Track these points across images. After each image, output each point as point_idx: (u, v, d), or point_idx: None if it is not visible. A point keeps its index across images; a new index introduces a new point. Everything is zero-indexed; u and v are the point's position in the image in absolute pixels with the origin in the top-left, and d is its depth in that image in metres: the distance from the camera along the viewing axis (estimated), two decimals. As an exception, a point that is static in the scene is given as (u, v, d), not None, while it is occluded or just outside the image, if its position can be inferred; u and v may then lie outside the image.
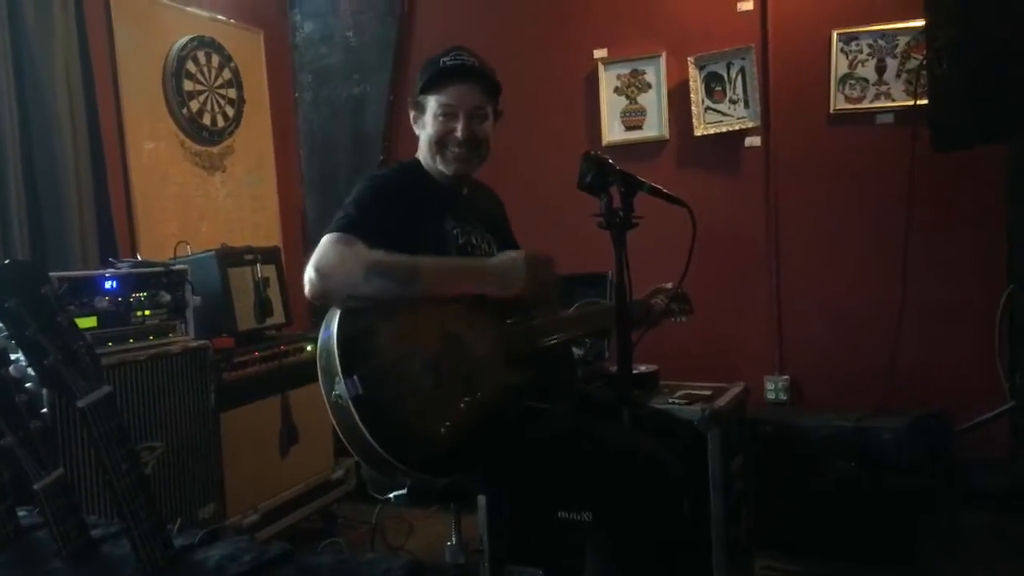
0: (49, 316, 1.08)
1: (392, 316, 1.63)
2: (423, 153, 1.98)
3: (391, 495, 1.74)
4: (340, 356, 1.52)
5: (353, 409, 1.48)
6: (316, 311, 4.04)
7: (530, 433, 1.73)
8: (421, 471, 1.57)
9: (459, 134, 1.90)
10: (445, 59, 1.91)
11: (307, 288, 1.65)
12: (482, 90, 1.93)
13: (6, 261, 1.07)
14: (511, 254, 1.81)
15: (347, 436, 1.54)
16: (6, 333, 1.09)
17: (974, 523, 2.74)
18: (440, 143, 1.92)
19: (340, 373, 1.50)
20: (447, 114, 1.90)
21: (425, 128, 1.95)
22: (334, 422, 1.56)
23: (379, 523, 2.98)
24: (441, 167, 1.95)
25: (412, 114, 1.99)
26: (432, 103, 1.92)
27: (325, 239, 1.69)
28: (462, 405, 1.64)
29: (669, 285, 2.21)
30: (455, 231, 1.93)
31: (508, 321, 1.81)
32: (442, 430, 1.59)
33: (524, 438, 1.71)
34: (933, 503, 2.63)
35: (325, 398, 1.56)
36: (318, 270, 1.63)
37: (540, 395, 1.80)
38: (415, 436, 1.56)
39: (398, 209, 1.82)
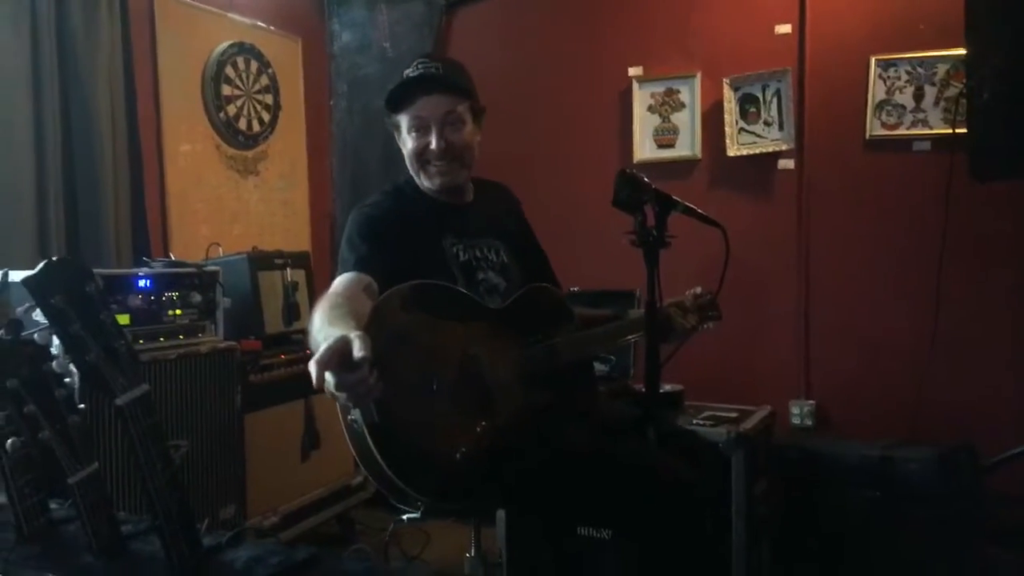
0: (93, 314, 1.09)
1: (410, 339, 1.59)
2: (411, 171, 1.93)
3: (404, 517, 1.71)
4: None
5: (368, 435, 1.45)
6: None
7: (549, 455, 1.70)
8: (435, 498, 1.54)
9: (434, 146, 1.83)
10: (408, 71, 1.84)
11: None
12: (450, 95, 1.84)
13: (53, 259, 1.08)
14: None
15: (362, 460, 1.51)
16: (49, 328, 1.10)
17: (1001, 560, 2.69)
18: (419, 159, 1.87)
19: None
20: (419, 128, 1.84)
21: (404, 146, 1.90)
22: (349, 444, 1.52)
23: (396, 532, 2.98)
24: (427, 183, 1.90)
25: (395, 135, 1.93)
26: (404, 120, 1.86)
27: (333, 286, 1.70)
28: (479, 429, 1.61)
29: (699, 289, 2.13)
30: (455, 248, 1.88)
31: (529, 340, 1.78)
32: (458, 456, 1.55)
33: (542, 460, 1.68)
34: (959, 537, 2.59)
35: (340, 419, 1.53)
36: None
37: (561, 414, 1.79)
38: (430, 463, 1.52)
39: (389, 237, 1.78)
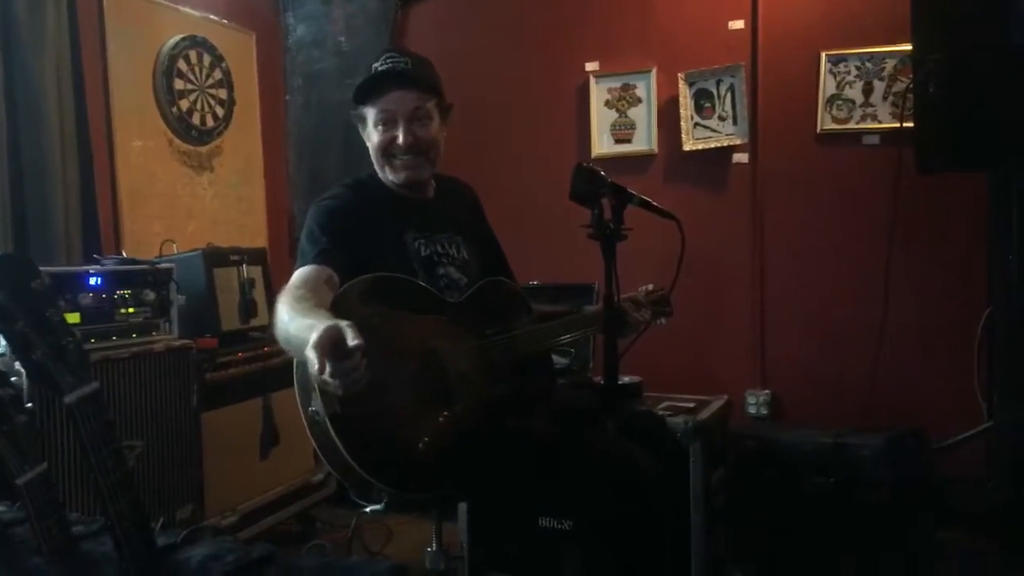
0: (39, 311, 1.07)
1: (370, 332, 1.58)
2: (375, 164, 1.93)
3: (367, 509, 1.71)
4: None
5: (330, 425, 1.45)
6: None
7: (508, 445, 1.72)
8: (398, 488, 1.54)
9: (400, 141, 1.84)
10: (377, 65, 1.84)
11: None
12: (419, 91, 1.85)
13: (-3, 254, 1.06)
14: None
15: (324, 452, 1.52)
16: (-6, 327, 1.08)
17: (949, 541, 2.76)
18: (385, 152, 1.87)
19: (317, 388, 1.44)
20: (386, 121, 1.84)
21: (370, 139, 1.90)
22: (310, 436, 1.52)
23: (358, 528, 2.97)
24: (391, 176, 1.90)
25: (359, 127, 1.93)
26: (371, 113, 1.86)
27: (292, 280, 1.69)
28: (441, 420, 1.63)
29: (650, 287, 2.19)
30: (417, 243, 1.88)
31: (488, 332, 1.80)
32: (420, 446, 1.57)
33: (502, 450, 1.70)
34: (909, 520, 2.65)
35: (301, 412, 1.53)
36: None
37: (520, 405, 1.80)
38: (393, 453, 1.53)
39: (350, 229, 1.78)
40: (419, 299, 1.74)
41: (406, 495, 1.57)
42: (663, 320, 2.17)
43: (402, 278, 1.75)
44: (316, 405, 1.46)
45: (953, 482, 2.91)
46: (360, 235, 1.79)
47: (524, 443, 1.74)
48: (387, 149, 1.86)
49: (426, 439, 1.58)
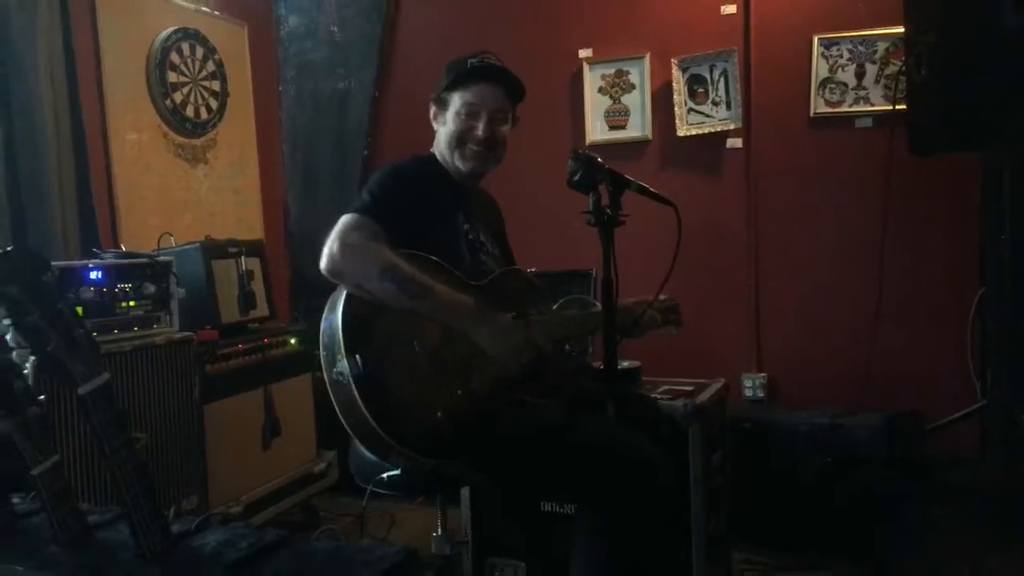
0: (51, 303, 1.09)
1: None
2: (440, 148, 2.01)
3: (383, 476, 1.77)
4: (344, 335, 1.58)
5: (353, 386, 1.54)
6: (298, 304, 4.08)
7: (519, 425, 1.76)
8: (414, 451, 1.60)
9: (480, 132, 1.94)
10: (472, 60, 1.96)
11: (325, 262, 1.68)
12: (505, 93, 1.98)
13: (8, 249, 1.07)
14: (513, 323, 1.80)
15: (344, 413, 1.59)
16: (7, 320, 1.09)
17: (943, 518, 2.80)
18: (460, 140, 1.96)
19: (343, 351, 1.56)
20: (470, 113, 1.94)
21: (446, 124, 1.98)
22: (333, 399, 1.60)
23: (361, 515, 3.00)
24: (458, 164, 1.98)
25: (432, 110, 2.02)
26: (456, 100, 1.96)
27: (350, 220, 1.73)
28: (459, 392, 1.70)
29: (663, 297, 2.23)
30: (465, 226, 1.99)
31: (509, 316, 1.84)
32: (438, 414, 1.64)
33: (513, 430, 1.75)
34: (905, 498, 2.69)
35: (325, 375, 1.61)
36: (343, 250, 1.66)
37: (531, 389, 1.84)
38: (411, 417, 1.61)
39: (417, 199, 1.86)
40: (446, 277, 1.79)
41: (419, 458, 1.61)
42: (674, 329, 2.23)
43: (431, 258, 1.79)
44: (341, 366, 1.56)
45: (948, 460, 2.95)
46: (422, 207, 1.86)
47: (534, 425, 1.78)
48: (463, 137, 1.95)
49: (443, 406, 1.66)
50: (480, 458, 1.74)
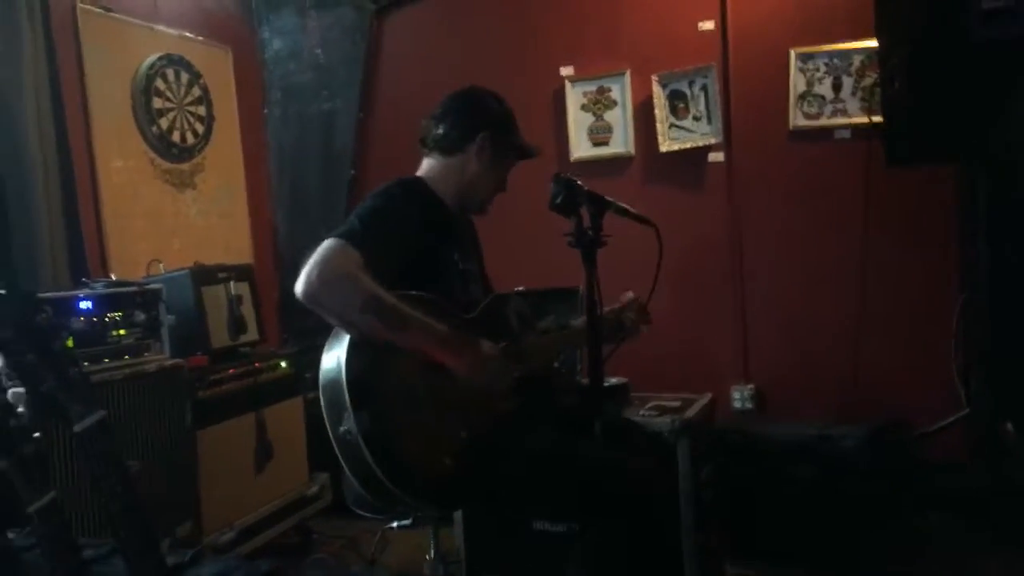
0: (45, 343, 1.11)
1: (395, 349, 1.67)
2: (452, 180, 2.02)
3: (394, 524, 1.77)
4: (350, 390, 1.56)
5: (363, 446, 1.52)
6: (287, 327, 4.08)
7: (519, 456, 1.78)
8: (427, 504, 1.61)
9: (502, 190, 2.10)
10: (532, 147, 2.13)
11: (303, 287, 1.64)
12: None
13: (2, 292, 1.09)
14: (491, 351, 1.81)
15: (354, 470, 1.57)
16: (2, 361, 1.11)
17: (933, 525, 2.84)
18: (497, 189, 2.09)
19: (349, 408, 1.53)
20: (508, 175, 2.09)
21: (489, 170, 2.03)
22: (340, 456, 1.58)
23: (355, 538, 3.00)
24: (471, 205, 2.06)
25: (482, 146, 2.02)
26: (506, 163, 2.09)
27: (333, 246, 1.67)
28: (463, 435, 1.70)
29: (630, 294, 2.27)
30: (455, 256, 2.00)
31: (500, 345, 1.86)
32: (446, 461, 1.64)
33: (515, 463, 1.76)
34: (894, 507, 2.72)
35: (330, 431, 1.58)
36: (322, 279, 1.62)
37: (525, 415, 1.86)
38: (423, 471, 1.60)
39: (409, 234, 1.84)
40: (441, 314, 1.78)
41: (434, 510, 1.62)
42: (644, 327, 2.26)
43: (425, 296, 1.79)
44: (348, 424, 1.53)
45: (935, 468, 2.98)
46: (410, 238, 1.84)
47: (534, 452, 1.80)
48: (498, 188, 2.09)
49: (450, 454, 1.65)
50: (491, 493, 1.75)
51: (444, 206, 2.01)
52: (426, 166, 2.06)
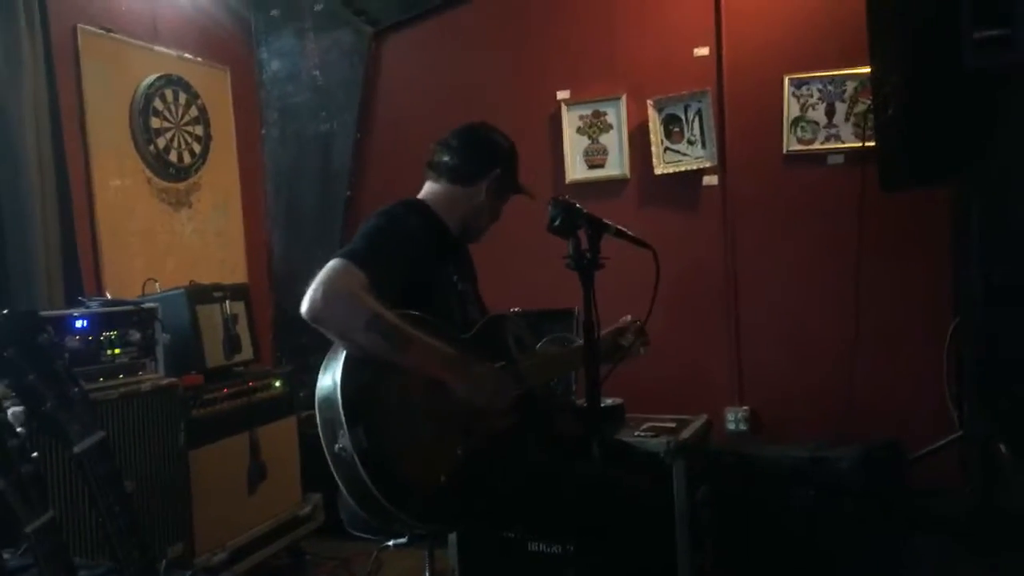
0: (47, 363, 1.11)
1: (392, 366, 1.67)
2: (459, 208, 2.07)
3: (390, 543, 1.77)
4: (344, 407, 1.56)
5: (359, 464, 1.52)
6: (282, 346, 4.08)
7: (515, 477, 1.78)
8: (422, 521, 1.60)
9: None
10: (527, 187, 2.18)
11: (308, 307, 1.65)
12: None
13: (4, 311, 1.10)
14: (491, 372, 1.84)
15: (349, 488, 1.57)
16: (4, 381, 1.11)
17: (927, 548, 2.83)
18: (493, 220, 2.15)
19: (345, 426, 1.53)
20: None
21: (491, 203, 2.09)
22: (335, 473, 1.58)
23: (348, 558, 2.99)
24: (471, 233, 2.12)
25: (489, 184, 2.08)
26: (509, 194, 2.14)
27: (338, 266, 1.69)
28: (459, 452, 1.71)
29: (629, 318, 2.29)
30: (455, 278, 2.03)
31: (497, 366, 1.88)
32: (442, 478, 1.64)
33: (511, 483, 1.77)
34: (887, 529, 2.73)
35: (325, 450, 1.58)
36: (326, 299, 1.64)
37: (526, 434, 1.87)
38: (419, 489, 1.60)
39: (413, 257, 1.87)
40: (438, 335, 1.79)
41: (433, 527, 1.62)
42: (643, 349, 2.27)
43: (423, 316, 1.80)
44: (343, 442, 1.53)
45: (929, 490, 2.98)
46: (413, 261, 1.87)
47: (531, 472, 1.80)
48: (494, 219, 2.15)
49: (447, 472, 1.66)
50: (486, 512, 1.75)
51: (447, 230, 2.05)
52: (431, 190, 2.08)
